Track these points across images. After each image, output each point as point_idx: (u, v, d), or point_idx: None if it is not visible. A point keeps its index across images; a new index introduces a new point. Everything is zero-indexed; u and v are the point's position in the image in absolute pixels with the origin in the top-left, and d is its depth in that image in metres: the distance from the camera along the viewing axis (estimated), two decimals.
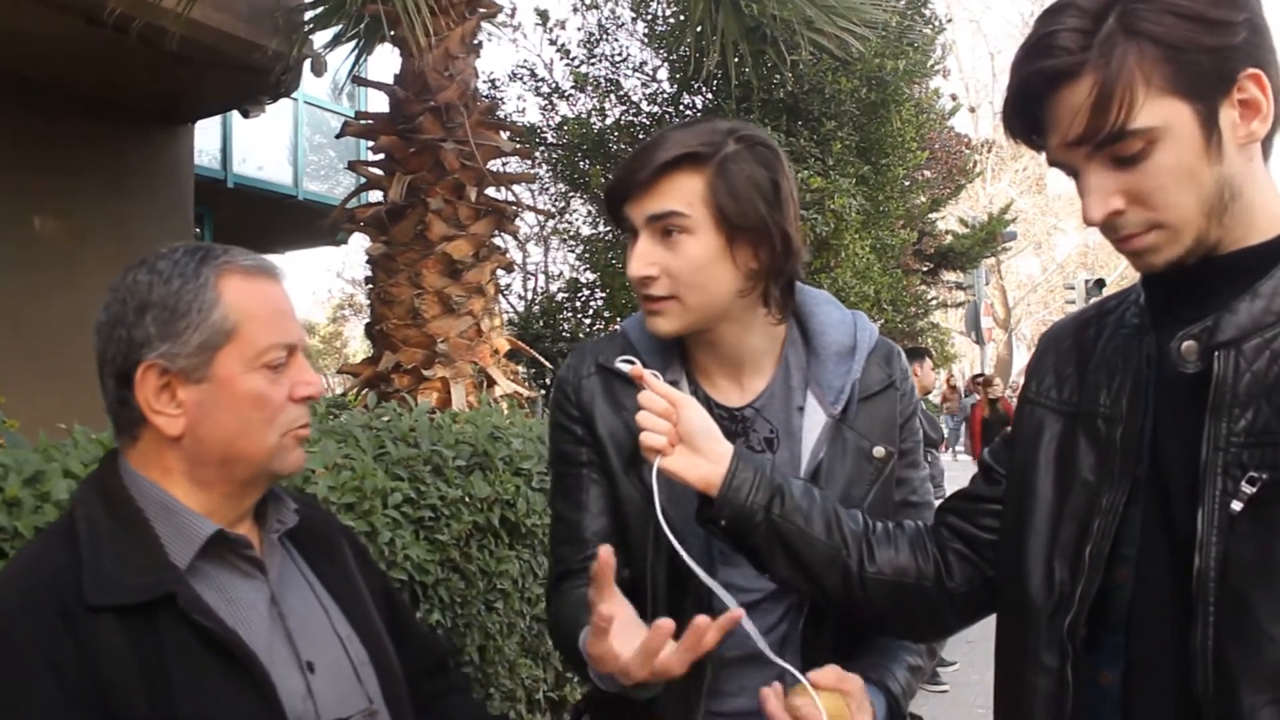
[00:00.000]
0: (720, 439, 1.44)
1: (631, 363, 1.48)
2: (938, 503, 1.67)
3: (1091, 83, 1.12)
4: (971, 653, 6.95)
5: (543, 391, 10.21)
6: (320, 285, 71.02)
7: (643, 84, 10.87)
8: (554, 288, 14.12)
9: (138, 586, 1.20)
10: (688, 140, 1.52)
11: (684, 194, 1.51)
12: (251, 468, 1.32)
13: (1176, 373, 1.14)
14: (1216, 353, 1.11)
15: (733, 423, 1.61)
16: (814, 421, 1.61)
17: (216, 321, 1.27)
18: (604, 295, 11.08)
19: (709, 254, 1.52)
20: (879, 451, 1.62)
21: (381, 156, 5.64)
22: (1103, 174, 1.16)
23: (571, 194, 12.31)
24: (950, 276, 17.15)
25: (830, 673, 1.38)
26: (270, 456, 1.32)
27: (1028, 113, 1.20)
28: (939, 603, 1.43)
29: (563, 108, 11.38)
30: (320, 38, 7.23)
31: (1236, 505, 1.07)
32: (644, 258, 1.54)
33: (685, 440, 1.42)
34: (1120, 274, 32.66)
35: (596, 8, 10.88)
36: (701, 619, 1.27)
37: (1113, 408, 1.23)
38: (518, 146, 6.36)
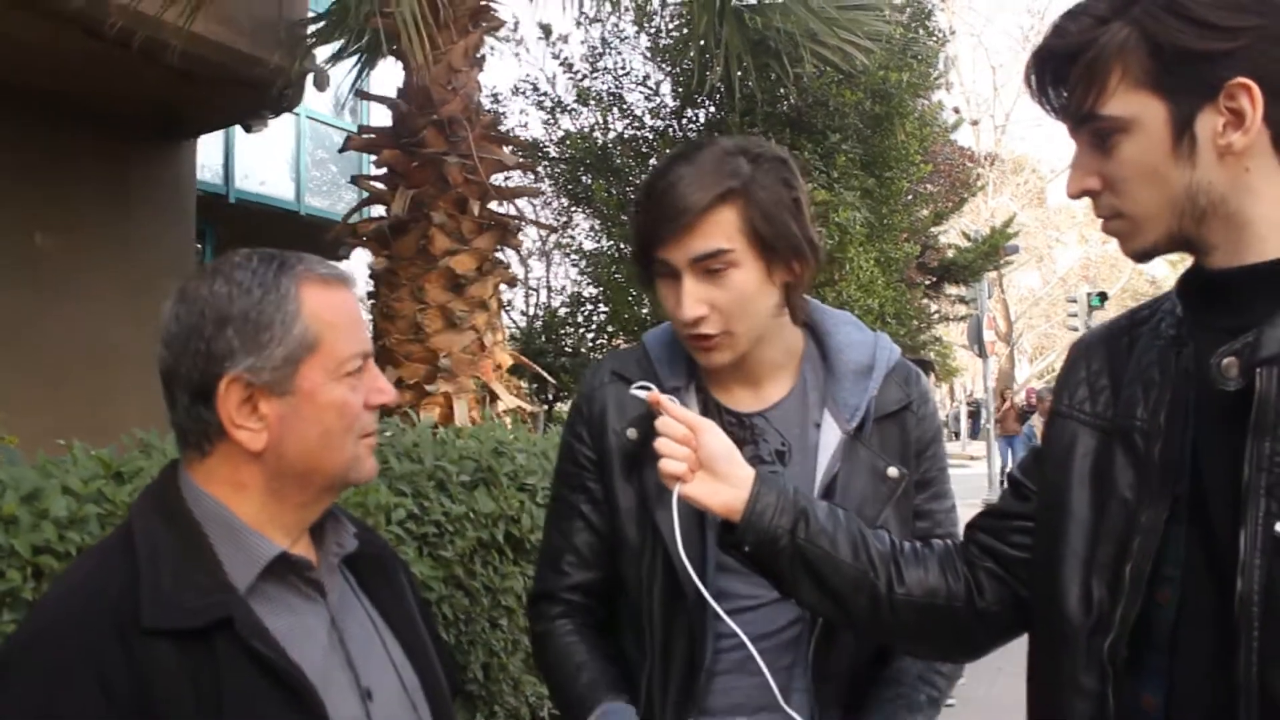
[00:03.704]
0: (742, 463, 1.41)
1: (648, 388, 1.46)
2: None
3: (1080, 65, 1.15)
4: (976, 668, 6.87)
5: (545, 407, 10.18)
6: None
7: (646, 98, 10.88)
8: (556, 302, 14.12)
9: (195, 609, 1.16)
10: (713, 175, 1.51)
11: (724, 229, 1.51)
12: (330, 478, 1.30)
13: (1217, 388, 1.10)
14: (1258, 370, 1.06)
15: (741, 429, 1.60)
16: (830, 438, 1.61)
17: (299, 334, 1.24)
18: (606, 310, 11.07)
19: (754, 282, 1.53)
20: (893, 472, 1.61)
21: (384, 171, 5.63)
22: (1085, 153, 1.19)
23: (574, 208, 12.31)
24: (953, 290, 17.12)
25: None
26: (348, 466, 1.30)
27: (1042, 84, 1.22)
28: (970, 623, 1.38)
29: (565, 122, 11.41)
30: (323, 52, 7.26)
31: None
32: (695, 298, 1.52)
33: (706, 465, 1.40)
34: (1122, 287, 32.71)
35: (599, 22, 10.89)
36: None
37: (1151, 422, 1.18)
38: (521, 160, 6.35)
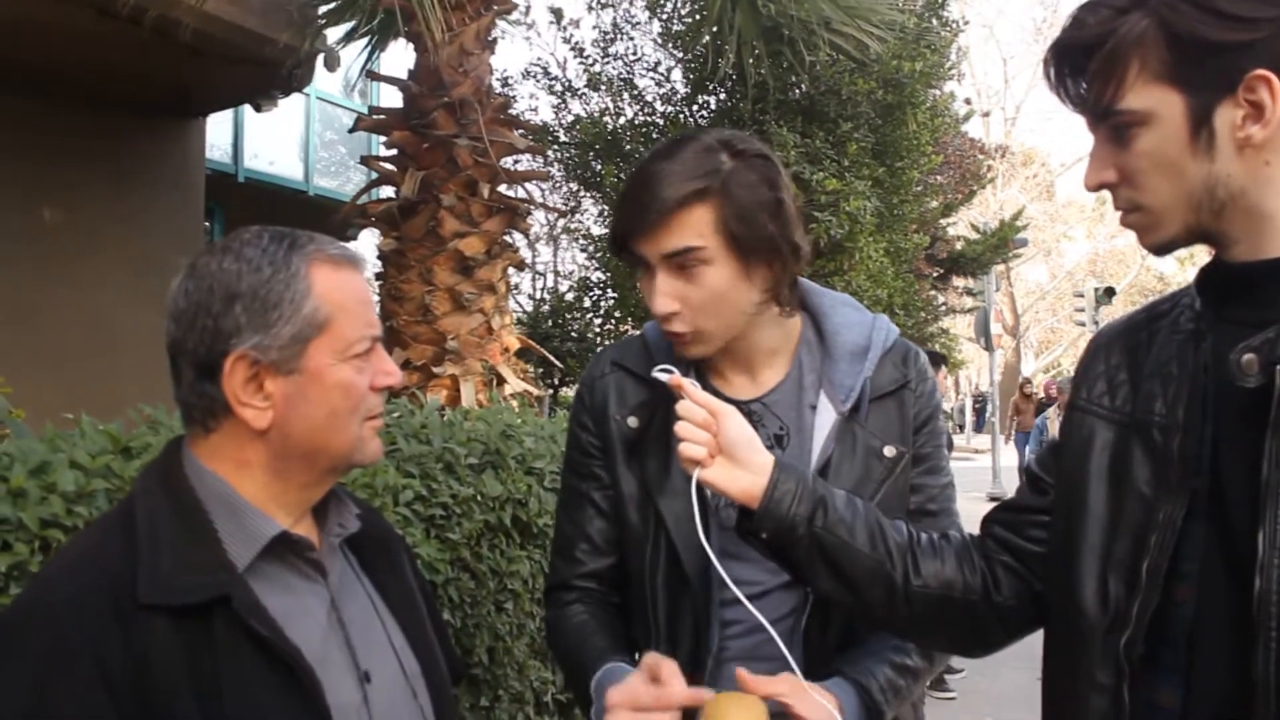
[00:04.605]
0: (761, 449, 1.40)
1: (670, 372, 1.45)
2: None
3: (1098, 58, 1.14)
4: (979, 661, 6.86)
5: (551, 391, 10.19)
6: None
7: (657, 84, 10.83)
8: (564, 287, 14.11)
9: (193, 586, 1.15)
10: (689, 172, 1.50)
11: (696, 227, 1.50)
12: (334, 459, 1.30)
13: (1237, 384, 1.09)
14: (1278, 366, 1.05)
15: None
16: (825, 419, 1.61)
17: (309, 313, 1.24)
18: (614, 295, 11.05)
19: (728, 280, 1.52)
20: (889, 451, 1.61)
21: (394, 152, 5.61)
22: (1102, 145, 1.18)
23: (583, 193, 12.29)
24: (960, 282, 17.08)
25: (776, 681, 1.38)
26: (353, 447, 1.29)
27: (1061, 77, 1.21)
28: (986, 616, 1.38)
29: (576, 106, 11.37)
30: (334, 33, 7.22)
31: None
32: (666, 293, 1.53)
33: (725, 451, 1.39)
34: (1130, 283, 32.63)
35: (611, 6, 10.84)
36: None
37: (1169, 417, 1.17)
38: (531, 144, 6.33)
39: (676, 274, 1.51)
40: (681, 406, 1.40)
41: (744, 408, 1.61)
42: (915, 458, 1.65)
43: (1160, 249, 1.20)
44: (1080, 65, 1.18)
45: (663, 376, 1.45)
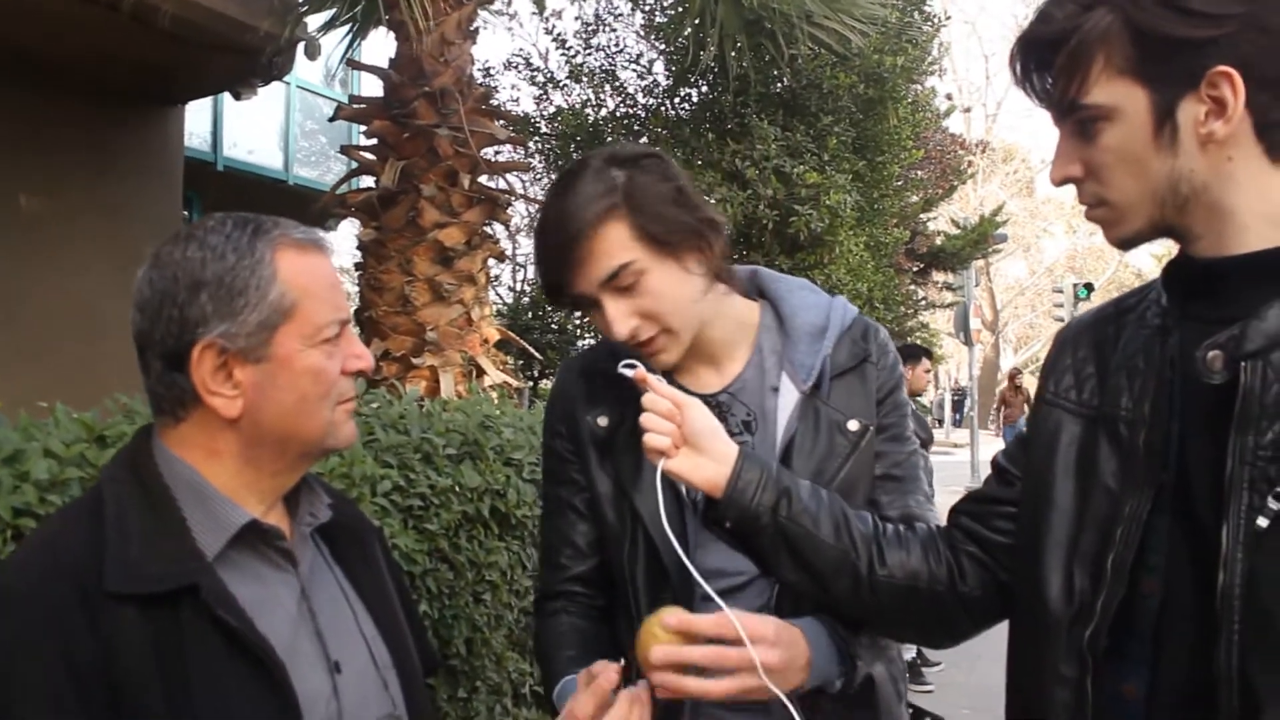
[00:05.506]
0: (725, 439, 1.41)
1: (634, 366, 1.46)
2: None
3: (1064, 52, 1.14)
4: (956, 654, 6.89)
5: (530, 383, 10.17)
6: None
7: (639, 76, 10.83)
8: None
9: (161, 575, 1.14)
10: (589, 197, 1.52)
11: (618, 244, 1.52)
12: (306, 444, 1.29)
13: (1202, 380, 1.09)
14: (1244, 363, 1.06)
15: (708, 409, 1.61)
16: (787, 400, 1.64)
17: (275, 299, 1.22)
18: None
19: (670, 279, 1.54)
20: (853, 425, 1.63)
21: (374, 141, 5.59)
22: (1068, 140, 1.18)
23: None
24: (940, 277, 17.13)
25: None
26: (325, 432, 1.29)
27: (1027, 71, 1.21)
28: (952, 607, 1.38)
29: (557, 98, 11.35)
30: (314, 20, 7.17)
31: (1263, 521, 1.02)
32: (621, 316, 1.54)
33: (690, 441, 1.40)
34: (1108, 279, 32.83)
35: None
36: None
37: (1135, 411, 1.18)
38: (512, 135, 6.32)
39: (621, 295, 1.53)
40: (646, 399, 1.41)
41: (712, 399, 1.64)
42: (879, 427, 1.67)
43: (1125, 243, 1.21)
44: (1046, 60, 1.18)
45: (628, 372, 1.46)
